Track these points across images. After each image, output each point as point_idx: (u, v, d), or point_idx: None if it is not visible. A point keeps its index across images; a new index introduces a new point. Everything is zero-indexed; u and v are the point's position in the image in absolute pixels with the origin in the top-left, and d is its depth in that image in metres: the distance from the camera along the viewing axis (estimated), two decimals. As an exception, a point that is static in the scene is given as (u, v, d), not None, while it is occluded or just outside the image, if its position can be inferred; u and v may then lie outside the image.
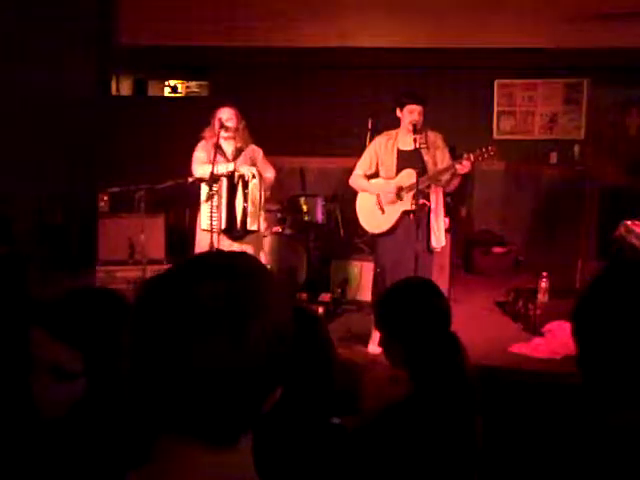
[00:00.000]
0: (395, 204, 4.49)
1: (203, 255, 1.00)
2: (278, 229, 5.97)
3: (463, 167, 4.30)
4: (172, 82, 8.29)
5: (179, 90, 8.36)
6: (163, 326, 0.83)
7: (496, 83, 7.53)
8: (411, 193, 4.38)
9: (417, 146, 4.38)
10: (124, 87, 8.09)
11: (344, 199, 6.67)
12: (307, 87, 7.43)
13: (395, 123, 4.56)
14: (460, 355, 1.96)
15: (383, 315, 2.04)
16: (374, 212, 4.61)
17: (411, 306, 1.98)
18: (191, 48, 7.14)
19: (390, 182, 4.52)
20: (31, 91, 5.96)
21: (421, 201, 4.34)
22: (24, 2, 6.12)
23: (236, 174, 4.46)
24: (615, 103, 7.46)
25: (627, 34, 6.64)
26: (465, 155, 4.35)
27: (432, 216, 4.49)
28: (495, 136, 7.57)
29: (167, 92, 8.35)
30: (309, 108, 7.37)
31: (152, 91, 8.35)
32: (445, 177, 4.42)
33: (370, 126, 6.25)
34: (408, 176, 4.42)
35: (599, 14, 6.65)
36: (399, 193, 4.47)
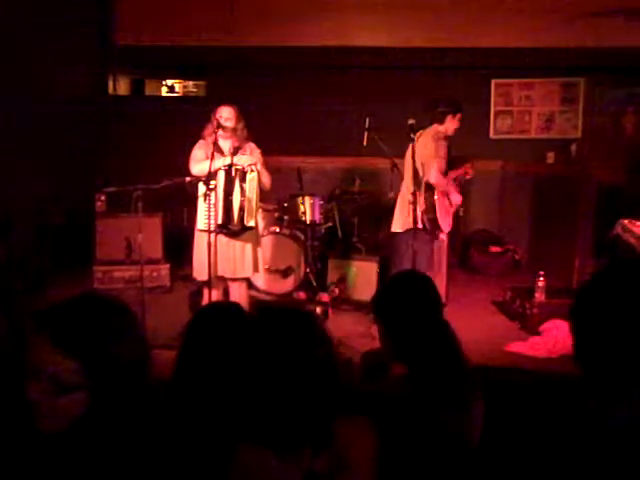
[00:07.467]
0: None
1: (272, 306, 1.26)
2: (275, 229, 5.97)
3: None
4: (169, 82, 8.27)
5: (176, 90, 8.34)
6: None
7: (493, 83, 7.54)
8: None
9: None
10: (121, 87, 8.08)
11: (341, 198, 6.70)
12: (304, 87, 7.42)
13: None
14: (453, 339, 1.98)
15: (376, 306, 2.08)
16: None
17: (399, 293, 2.04)
18: (189, 48, 7.13)
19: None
20: (29, 91, 5.96)
21: None
22: (22, 2, 6.11)
23: (233, 168, 4.39)
24: (611, 102, 7.47)
25: (623, 34, 6.66)
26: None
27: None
28: (492, 135, 7.58)
29: (164, 92, 8.34)
30: (306, 108, 7.37)
31: (149, 90, 8.34)
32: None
33: (367, 125, 6.25)
34: None
35: (595, 14, 6.66)
36: None
